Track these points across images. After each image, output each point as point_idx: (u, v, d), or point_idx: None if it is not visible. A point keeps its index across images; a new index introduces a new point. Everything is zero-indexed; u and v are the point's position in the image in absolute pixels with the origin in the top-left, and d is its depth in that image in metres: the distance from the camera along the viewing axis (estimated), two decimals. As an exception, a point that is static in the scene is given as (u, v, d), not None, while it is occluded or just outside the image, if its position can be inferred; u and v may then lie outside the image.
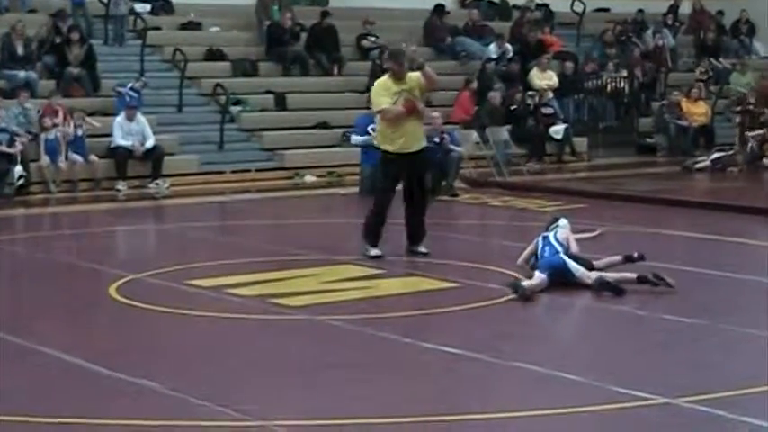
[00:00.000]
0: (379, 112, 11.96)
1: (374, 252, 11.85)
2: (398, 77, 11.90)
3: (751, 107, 22.81)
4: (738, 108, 23.27)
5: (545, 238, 10.65)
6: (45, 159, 17.58)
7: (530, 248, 10.82)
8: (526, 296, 9.79)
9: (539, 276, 10.14)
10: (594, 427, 6.67)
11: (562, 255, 10.36)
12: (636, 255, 10.75)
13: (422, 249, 12.04)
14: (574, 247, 10.62)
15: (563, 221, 11.04)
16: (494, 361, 7.93)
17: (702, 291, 10.61)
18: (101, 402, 7.07)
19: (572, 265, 10.26)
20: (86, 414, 6.77)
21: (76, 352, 8.14)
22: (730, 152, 21.34)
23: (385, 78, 12.10)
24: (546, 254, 10.43)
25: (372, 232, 11.99)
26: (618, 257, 10.76)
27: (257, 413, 6.74)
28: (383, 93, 11.89)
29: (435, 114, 18.15)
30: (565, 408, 6.85)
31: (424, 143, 12.12)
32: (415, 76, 11.93)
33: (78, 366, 7.82)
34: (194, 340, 8.85)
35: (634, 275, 10.23)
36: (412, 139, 11.90)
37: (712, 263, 11.89)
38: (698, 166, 20.98)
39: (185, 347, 8.58)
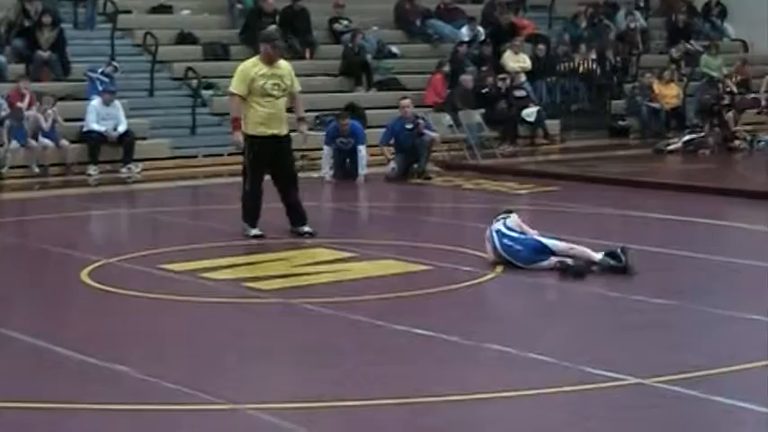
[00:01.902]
0: (231, 93, 12.21)
1: (254, 232, 12.07)
2: (270, 61, 12.14)
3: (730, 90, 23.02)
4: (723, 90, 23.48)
5: (498, 231, 10.45)
6: (14, 143, 17.47)
7: (488, 246, 10.56)
8: (581, 272, 9.92)
9: (547, 263, 10.17)
10: (566, 408, 6.69)
11: (536, 237, 10.37)
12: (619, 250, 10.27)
13: (306, 229, 12.18)
14: (530, 231, 10.58)
15: (514, 216, 10.76)
16: (466, 343, 7.95)
17: (674, 272, 10.66)
18: (73, 387, 7.05)
19: (549, 242, 10.30)
20: (58, 399, 6.75)
21: (48, 337, 8.11)
22: (702, 134, 21.43)
23: (255, 60, 12.30)
24: (513, 245, 10.34)
25: (251, 214, 12.17)
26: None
27: (230, 397, 6.73)
28: (244, 77, 12.07)
29: (405, 102, 18.14)
30: (537, 389, 6.87)
31: (288, 128, 12.35)
32: (287, 66, 12.36)
33: (50, 352, 7.79)
34: (167, 325, 8.83)
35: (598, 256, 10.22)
36: (281, 122, 12.17)
37: (684, 244, 11.93)
38: (670, 148, 21.06)
39: (158, 332, 8.56)
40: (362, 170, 17.34)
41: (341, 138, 17.43)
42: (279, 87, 12.11)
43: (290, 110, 12.55)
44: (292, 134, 12.37)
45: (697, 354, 7.72)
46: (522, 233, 10.46)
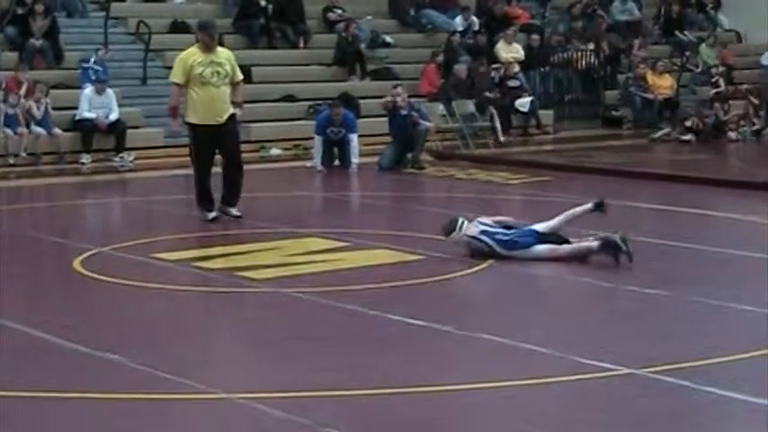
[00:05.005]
0: (172, 82, 12.50)
1: (211, 215, 12.37)
2: (208, 49, 12.33)
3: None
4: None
5: (484, 233, 10.29)
6: (7, 132, 17.44)
7: (475, 250, 10.42)
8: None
9: (549, 249, 10.17)
10: (559, 398, 6.69)
11: (531, 227, 10.40)
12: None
13: (234, 212, 12.43)
14: (507, 220, 10.60)
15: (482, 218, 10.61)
16: (459, 333, 7.95)
17: (667, 262, 10.67)
18: (65, 376, 7.04)
19: (539, 227, 10.35)
20: (51, 388, 6.74)
21: (41, 326, 8.09)
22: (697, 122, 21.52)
23: (194, 48, 12.49)
24: (511, 237, 10.29)
25: (204, 199, 12.45)
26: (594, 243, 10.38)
27: (223, 386, 6.73)
28: (182, 65, 12.29)
29: (398, 91, 18.10)
30: (529, 379, 6.88)
31: (230, 112, 12.40)
32: (229, 54, 12.51)
33: (43, 340, 7.78)
34: (160, 314, 8.82)
35: (595, 244, 10.22)
36: (221, 110, 12.26)
37: (677, 235, 11.95)
38: (660, 134, 21.26)
39: (151, 321, 8.55)
40: (355, 159, 17.34)
41: (332, 127, 17.41)
42: (218, 75, 12.27)
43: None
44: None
45: (689, 344, 7.73)
46: (495, 225, 10.45)
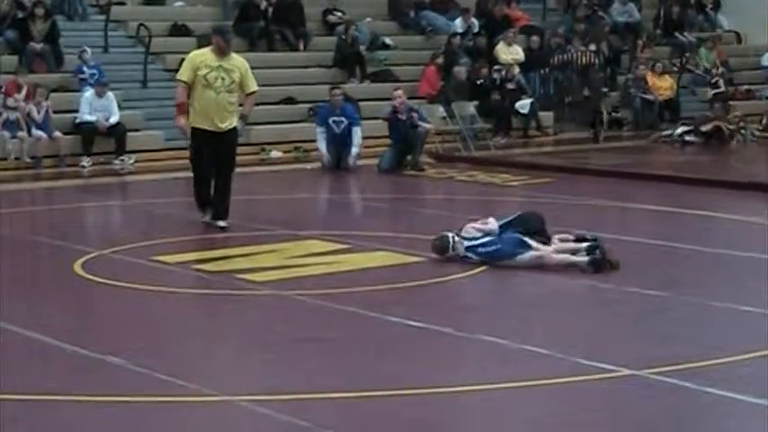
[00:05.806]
0: (178, 80, 12.30)
1: (206, 218, 12.26)
2: (221, 53, 12.09)
3: None
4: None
5: (469, 249, 10.22)
6: (5, 135, 17.46)
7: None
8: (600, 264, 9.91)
9: (533, 257, 10.10)
10: (560, 399, 6.69)
11: (515, 235, 10.31)
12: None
13: (220, 224, 12.15)
14: (489, 225, 10.52)
15: (467, 226, 10.52)
16: (458, 334, 7.95)
17: (667, 263, 10.67)
18: (66, 379, 7.05)
19: (528, 240, 10.26)
20: (52, 390, 6.74)
21: (41, 329, 8.10)
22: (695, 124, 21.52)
23: (207, 50, 12.29)
24: (490, 248, 10.20)
25: (200, 201, 12.38)
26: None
27: (223, 389, 6.73)
28: (190, 65, 12.13)
29: (398, 92, 18.09)
30: (530, 380, 6.88)
31: (233, 123, 12.18)
32: (242, 63, 12.27)
33: (43, 343, 7.79)
34: (160, 316, 8.82)
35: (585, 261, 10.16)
36: (221, 118, 12.02)
37: (677, 236, 11.94)
38: (671, 136, 21.25)
39: (151, 324, 8.55)
40: (355, 148, 17.33)
41: (333, 116, 17.43)
42: (223, 81, 11.98)
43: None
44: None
45: (690, 345, 7.73)
46: (488, 233, 10.38)
